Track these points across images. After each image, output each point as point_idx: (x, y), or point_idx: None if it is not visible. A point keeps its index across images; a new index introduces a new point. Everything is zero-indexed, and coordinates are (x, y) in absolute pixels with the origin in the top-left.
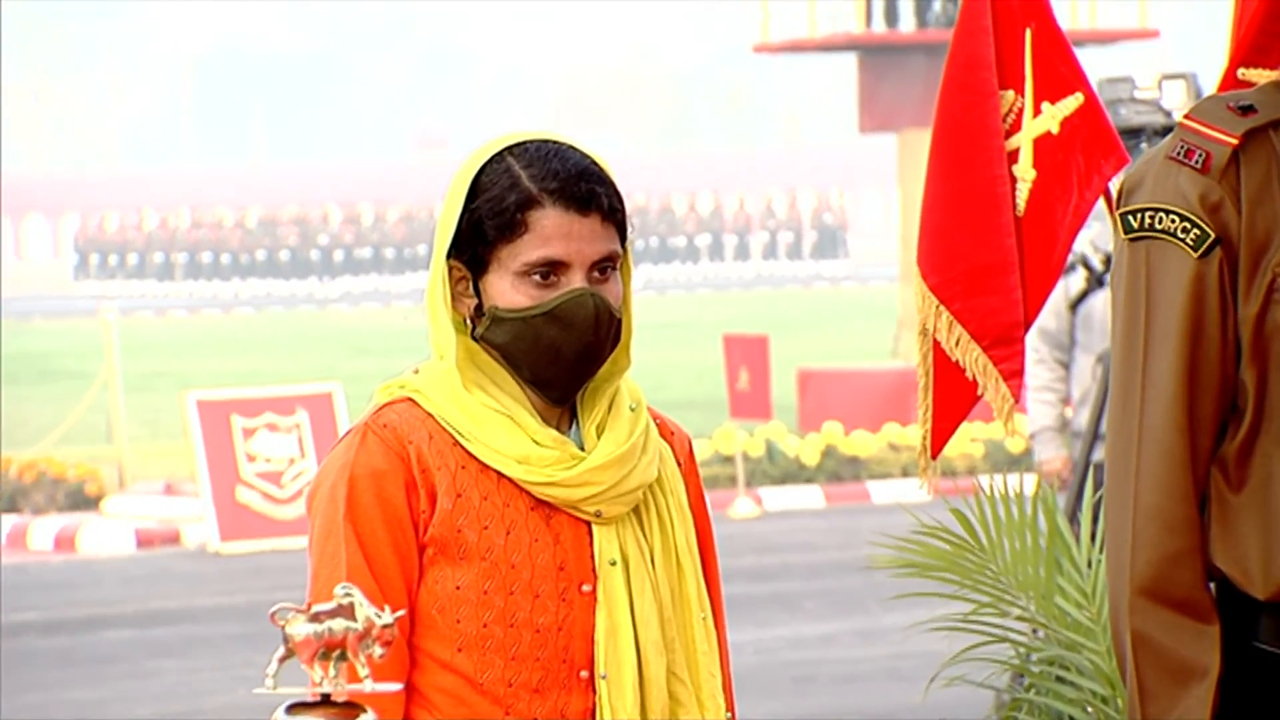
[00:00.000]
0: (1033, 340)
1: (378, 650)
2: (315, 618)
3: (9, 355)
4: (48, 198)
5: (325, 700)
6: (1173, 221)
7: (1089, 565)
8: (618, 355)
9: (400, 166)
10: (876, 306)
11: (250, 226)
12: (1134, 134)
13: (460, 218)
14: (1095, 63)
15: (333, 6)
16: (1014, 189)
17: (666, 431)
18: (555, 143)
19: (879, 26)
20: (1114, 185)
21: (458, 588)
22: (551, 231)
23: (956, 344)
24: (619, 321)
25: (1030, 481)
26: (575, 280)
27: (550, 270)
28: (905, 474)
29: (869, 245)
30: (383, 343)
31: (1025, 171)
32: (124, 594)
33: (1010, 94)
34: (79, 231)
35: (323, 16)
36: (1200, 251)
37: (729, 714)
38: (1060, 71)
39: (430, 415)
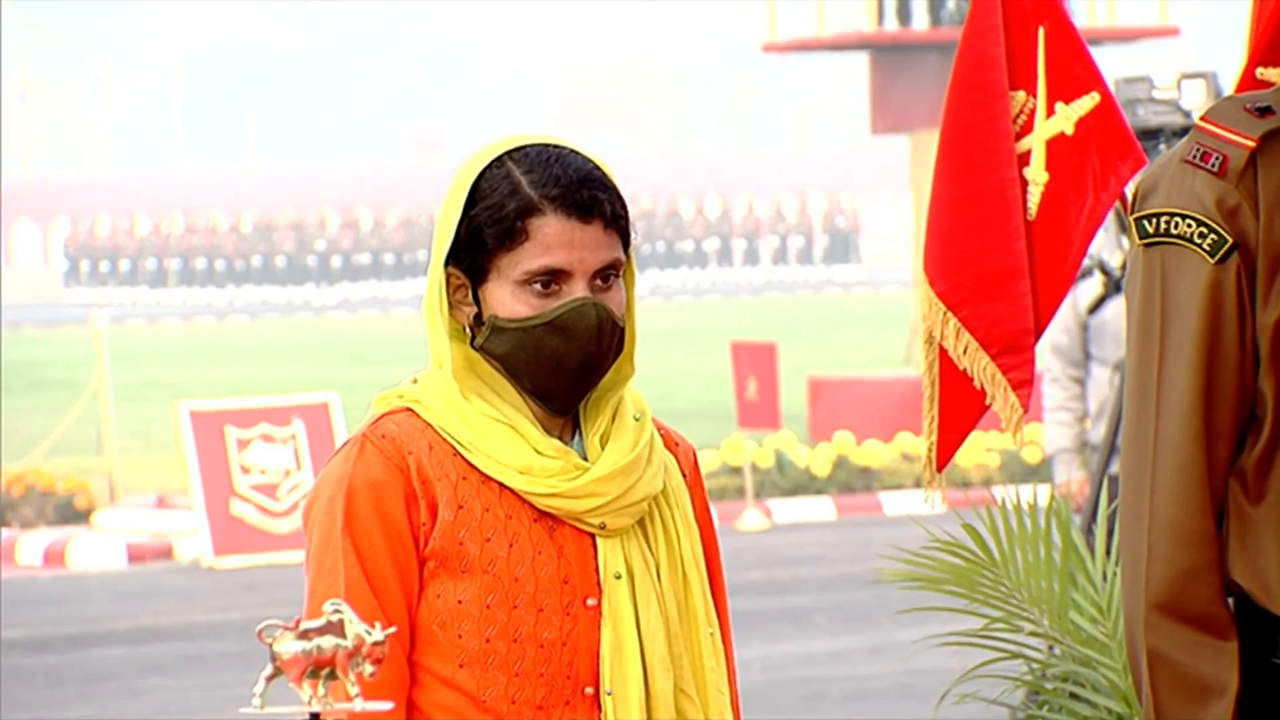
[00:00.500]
0: (1045, 359)
1: (368, 668)
2: (304, 635)
3: None
4: (37, 202)
5: None
6: (1189, 226)
7: (1104, 579)
8: (621, 364)
9: (399, 169)
10: (890, 313)
11: (245, 231)
12: (1152, 135)
13: (459, 224)
14: (1114, 61)
15: (328, 5)
16: (1025, 192)
17: (671, 443)
18: (556, 147)
19: (891, 25)
20: (1130, 189)
21: (459, 602)
22: (553, 240)
23: (964, 352)
24: (622, 331)
25: (1046, 493)
26: (577, 289)
27: (551, 279)
28: (919, 485)
29: (882, 250)
30: (382, 351)
31: (1037, 174)
32: (115, 610)
33: (1021, 95)
34: (69, 237)
35: (318, 15)
36: (1217, 257)
37: None
38: (1075, 71)
39: (430, 425)
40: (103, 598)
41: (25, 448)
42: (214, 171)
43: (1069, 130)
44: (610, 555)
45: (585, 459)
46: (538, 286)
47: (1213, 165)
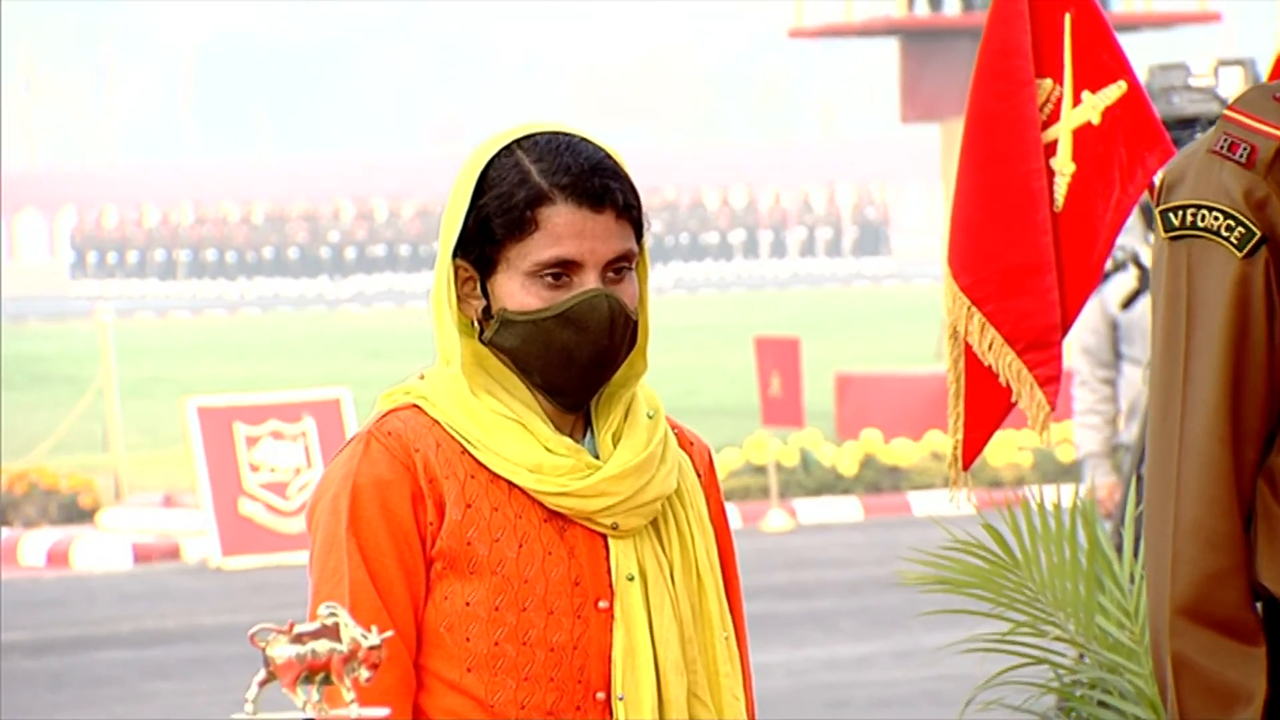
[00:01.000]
0: (1074, 360)
1: (364, 673)
2: (298, 639)
3: (1, 360)
4: (43, 192)
5: None
6: (1215, 219)
7: (1131, 582)
8: (634, 359)
9: (415, 159)
10: (920, 307)
11: (257, 222)
12: (1188, 124)
13: (467, 215)
14: (1153, 48)
15: None
16: (1052, 183)
17: (685, 442)
18: (567, 135)
19: (922, 10)
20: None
21: (467, 604)
22: (563, 230)
23: (989, 348)
24: (635, 324)
25: (1075, 492)
26: (589, 281)
27: (562, 270)
28: (946, 484)
29: (913, 242)
30: (397, 345)
31: (1064, 165)
32: (119, 612)
33: (1048, 83)
34: (76, 228)
35: (333, 1)
36: (1245, 251)
37: None
38: (1102, 58)
39: (437, 422)
40: (107, 599)
41: (29, 445)
42: (225, 161)
43: (1095, 120)
44: (622, 556)
45: (597, 457)
46: (548, 278)
47: (1240, 156)
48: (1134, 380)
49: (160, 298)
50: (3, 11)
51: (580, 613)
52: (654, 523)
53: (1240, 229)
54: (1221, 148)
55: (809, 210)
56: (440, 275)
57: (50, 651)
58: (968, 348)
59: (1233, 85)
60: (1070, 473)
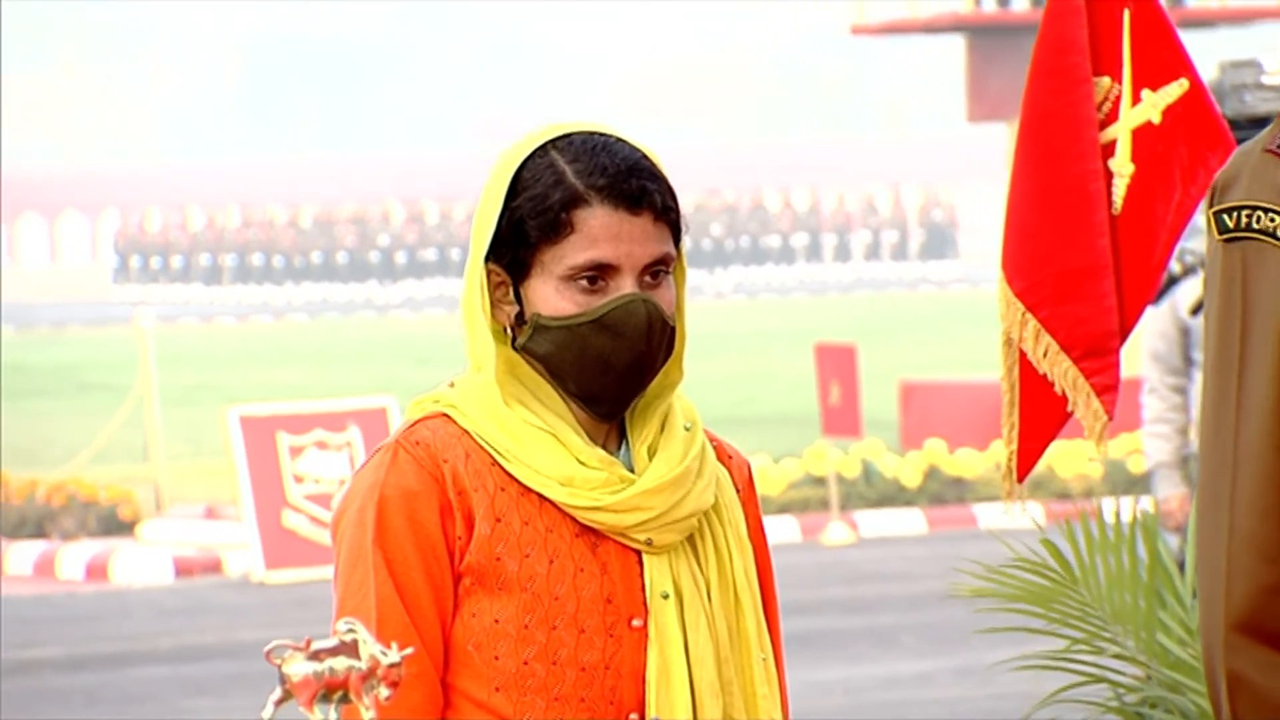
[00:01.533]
0: (1143, 367)
1: (384, 691)
2: (315, 656)
3: (42, 367)
4: (85, 194)
5: None
6: (1271, 220)
7: (1194, 596)
8: (670, 368)
9: (468, 159)
10: (987, 312)
11: (304, 226)
12: (1260, 123)
13: (500, 217)
14: (1228, 44)
15: None
16: (1109, 185)
17: (724, 455)
18: (603, 135)
19: (989, 5)
20: None
21: (496, 621)
22: (599, 232)
23: (1044, 355)
24: (672, 330)
25: (1143, 504)
26: (625, 285)
27: (598, 274)
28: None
29: (981, 245)
30: (448, 352)
31: (1122, 165)
32: (158, 628)
33: (1106, 81)
34: (119, 231)
35: None
36: None
37: None
38: (1162, 55)
39: (466, 432)
40: (146, 614)
41: (70, 455)
42: (271, 162)
43: (1156, 119)
44: (657, 573)
45: (631, 470)
46: (583, 282)
47: None
48: None
49: (205, 303)
50: (45, 10)
51: (613, 631)
52: (690, 539)
53: None
54: (1277, 146)
55: (874, 212)
56: (472, 280)
57: (86, 668)
58: (1022, 355)
59: None
60: (1141, 484)
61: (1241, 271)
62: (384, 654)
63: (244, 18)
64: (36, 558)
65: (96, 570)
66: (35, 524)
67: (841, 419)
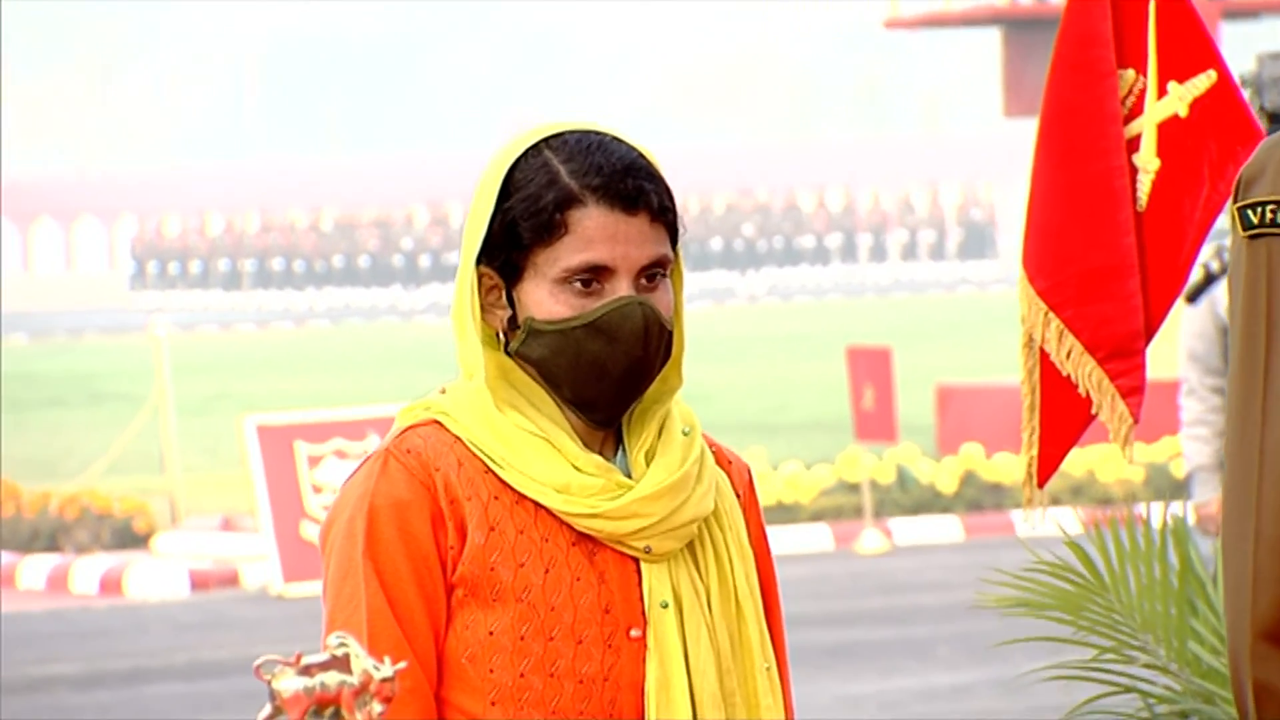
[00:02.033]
0: (1181, 369)
1: (376, 707)
2: (305, 671)
3: (57, 376)
4: (101, 200)
5: None
6: None
7: None
8: (668, 373)
9: None
10: None
11: (326, 229)
12: None
13: (491, 219)
14: (1272, 35)
15: None
16: (1134, 181)
17: (724, 460)
18: (598, 134)
19: None
20: None
21: (491, 633)
22: (594, 233)
23: (1067, 356)
24: (670, 334)
25: (1181, 510)
26: (621, 288)
27: (593, 277)
28: (1056, 502)
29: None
30: None
31: (1148, 161)
32: (174, 643)
33: (1130, 73)
34: (136, 237)
35: None
36: None
37: None
38: (1189, 46)
39: (459, 439)
40: (161, 629)
41: (85, 467)
42: (292, 165)
43: (1182, 112)
44: (656, 582)
45: (629, 476)
46: (578, 285)
47: None
48: None
49: (224, 309)
50: (60, 12)
51: (611, 642)
52: (690, 546)
53: None
54: None
55: (910, 211)
56: (462, 283)
57: (100, 685)
58: (1044, 356)
59: None
60: (1186, 488)
61: (1267, 269)
62: (377, 668)
63: (264, 18)
64: (49, 572)
65: (110, 584)
66: (48, 537)
67: (876, 423)
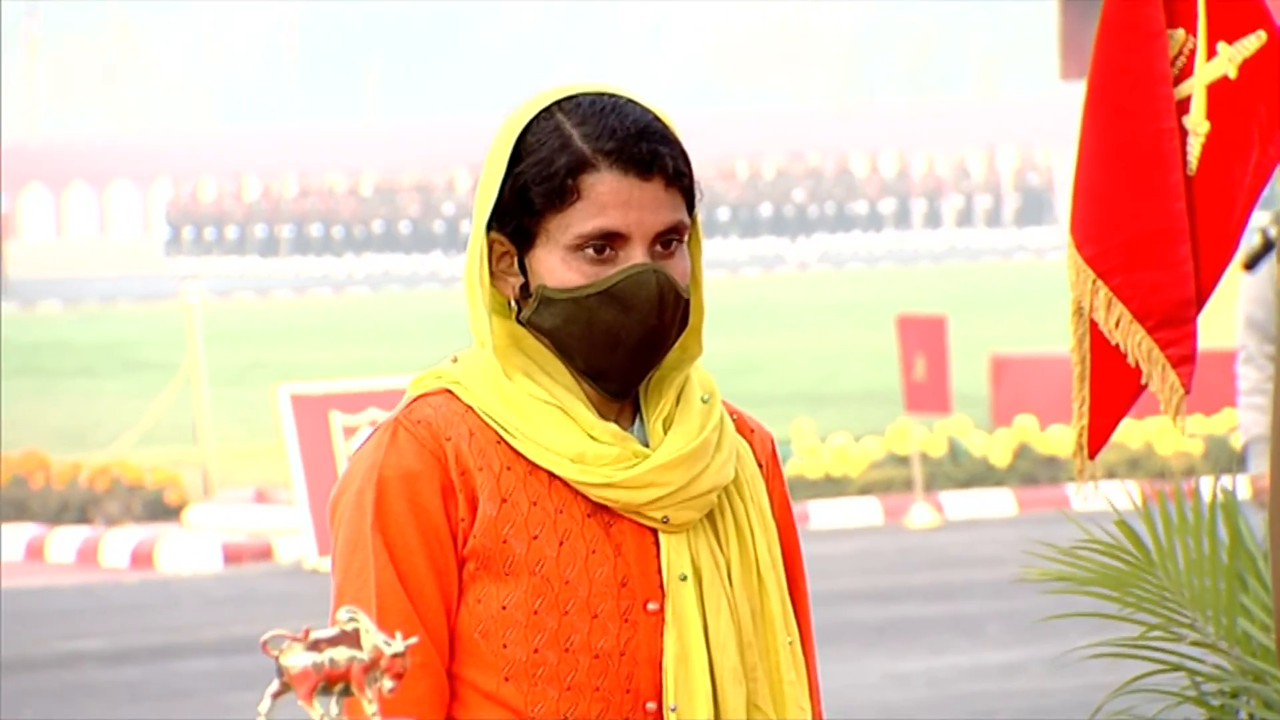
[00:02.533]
0: (1239, 335)
1: (387, 683)
2: (314, 646)
3: (90, 344)
4: (135, 163)
5: None
6: None
7: None
8: (687, 341)
9: None
10: None
11: (365, 194)
12: None
13: (503, 183)
14: None
15: None
16: (1184, 144)
17: (745, 428)
18: (612, 95)
19: None
20: None
21: (504, 608)
22: (608, 199)
23: (1116, 325)
24: (687, 302)
25: (1242, 485)
26: (635, 255)
27: (607, 243)
28: (1112, 475)
29: None
30: None
31: (1197, 123)
32: (205, 618)
33: (1180, 33)
34: (171, 201)
35: None
36: None
37: None
38: (1239, 6)
39: (470, 409)
40: (193, 604)
41: (117, 437)
42: (331, 128)
43: (1232, 74)
44: (674, 554)
45: (646, 445)
46: (591, 252)
47: None
48: None
49: (261, 276)
50: None
51: (628, 616)
52: (709, 517)
53: None
54: None
55: (966, 177)
56: (473, 250)
57: (129, 661)
58: (1093, 325)
59: None
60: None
61: None
62: (387, 644)
63: None
64: (79, 545)
65: (141, 558)
66: (78, 509)
67: (928, 394)
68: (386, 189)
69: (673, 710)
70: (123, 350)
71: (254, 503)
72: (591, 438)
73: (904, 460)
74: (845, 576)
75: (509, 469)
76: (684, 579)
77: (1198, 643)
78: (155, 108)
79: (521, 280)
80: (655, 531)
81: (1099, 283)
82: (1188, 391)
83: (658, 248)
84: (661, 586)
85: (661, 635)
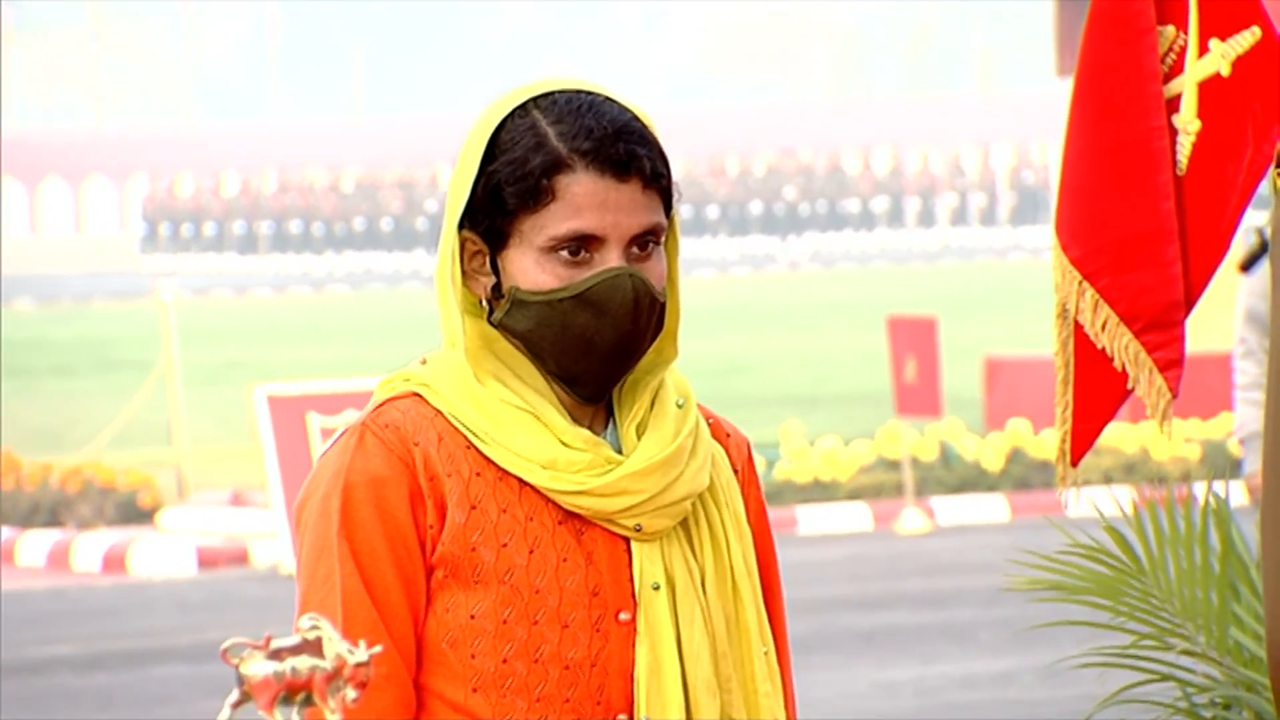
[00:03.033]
0: (1238, 329)
1: (350, 693)
2: (275, 654)
3: (65, 343)
4: (112, 158)
5: None
6: None
7: None
8: (663, 344)
9: None
10: None
11: (346, 191)
12: None
13: (475, 181)
14: None
15: None
16: (1174, 143)
17: (721, 433)
18: (589, 93)
19: None
20: None
21: (472, 617)
22: (583, 200)
23: (1103, 328)
24: (662, 306)
25: (1239, 491)
26: (611, 258)
27: (581, 245)
28: (1108, 481)
29: None
30: None
31: (1188, 122)
32: (180, 623)
33: (1170, 30)
34: (148, 197)
35: None
36: None
37: None
38: (1232, 2)
39: (440, 413)
40: (167, 609)
41: (93, 437)
42: (312, 123)
43: (1224, 71)
44: (647, 562)
45: (619, 451)
46: (565, 254)
47: None
48: None
49: (239, 274)
50: None
51: (599, 626)
52: (684, 524)
53: None
54: None
55: (960, 174)
56: (445, 249)
57: (101, 667)
58: (1078, 328)
59: None
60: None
61: None
62: (351, 652)
63: None
64: (50, 548)
65: (114, 562)
66: (49, 512)
67: (918, 397)
68: (368, 185)
69: None
70: (98, 349)
71: (230, 506)
72: (563, 444)
73: (894, 464)
74: (834, 583)
75: (478, 475)
76: (657, 588)
77: (1188, 652)
78: (132, 101)
79: (494, 280)
80: (628, 540)
81: (1085, 284)
82: (1175, 396)
83: (634, 250)
84: (634, 596)
85: (634, 646)
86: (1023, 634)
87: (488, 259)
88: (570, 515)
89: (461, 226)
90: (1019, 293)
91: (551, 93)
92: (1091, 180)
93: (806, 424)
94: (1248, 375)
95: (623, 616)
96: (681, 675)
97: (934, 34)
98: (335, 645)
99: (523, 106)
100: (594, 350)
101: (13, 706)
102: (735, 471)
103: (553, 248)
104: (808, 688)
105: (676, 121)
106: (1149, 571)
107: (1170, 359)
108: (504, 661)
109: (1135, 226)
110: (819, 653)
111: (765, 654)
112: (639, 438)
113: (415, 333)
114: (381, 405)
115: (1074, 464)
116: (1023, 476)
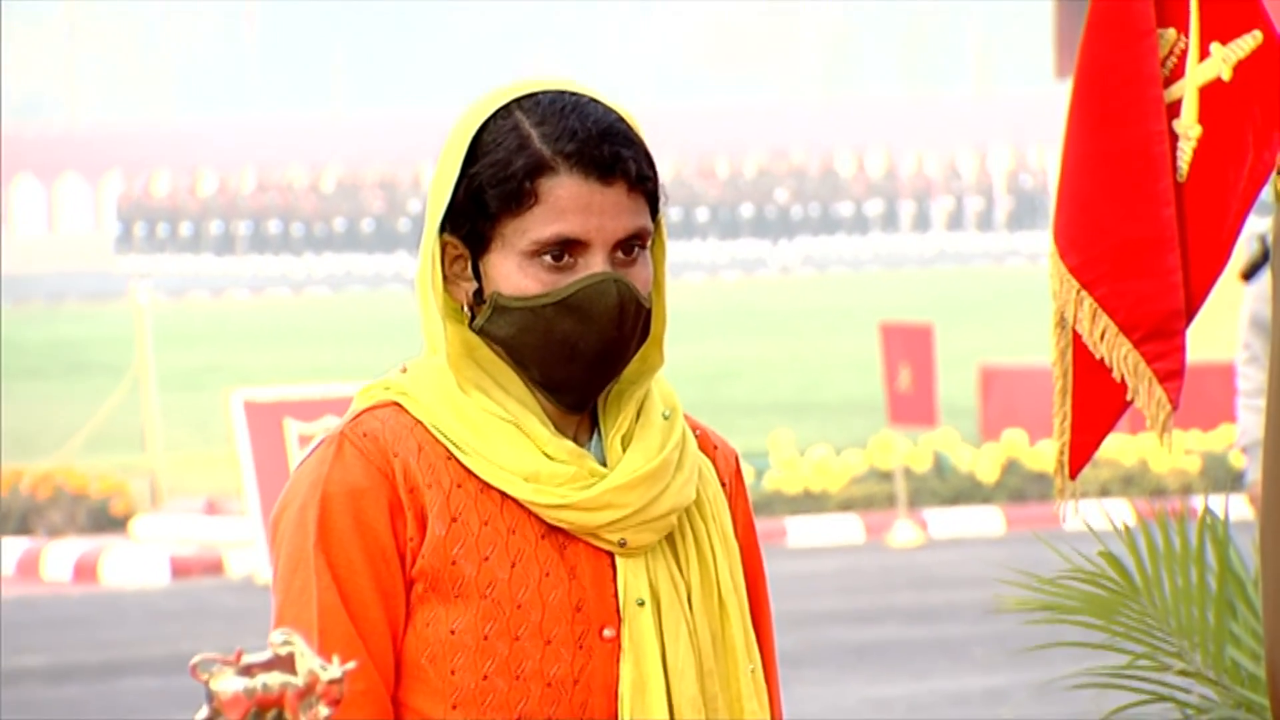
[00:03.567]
0: (1243, 334)
1: (323, 710)
2: (246, 670)
3: (37, 345)
4: (86, 155)
5: None
6: None
7: None
8: (648, 352)
9: None
10: None
11: (327, 191)
12: None
13: (457, 184)
14: None
15: None
16: (1174, 148)
17: (709, 445)
18: (574, 94)
19: None
20: None
21: (452, 632)
22: (567, 203)
23: (1101, 337)
24: (648, 312)
25: (1239, 504)
26: (595, 263)
27: (565, 250)
28: (1106, 493)
29: None
30: None
31: (1189, 127)
32: (152, 634)
33: (1171, 33)
34: (123, 195)
35: None
36: None
37: None
38: (1233, 5)
39: (419, 423)
40: (139, 619)
41: (64, 442)
42: (291, 120)
43: (1226, 75)
44: (632, 578)
45: (604, 463)
46: (548, 259)
47: None
48: None
49: (216, 275)
50: None
51: (582, 642)
52: (669, 539)
53: None
54: None
55: (956, 177)
56: (425, 253)
57: (72, 678)
58: (1076, 338)
59: None
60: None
61: None
62: (324, 668)
63: None
64: (20, 556)
65: (85, 570)
66: (19, 519)
67: (912, 406)
68: (349, 185)
69: None
70: (71, 351)
71: (204, 514)
72: (546, 455)
73: (887, 475)
74: (824, 596)
75: (459, 486)
76: (641, 604)
77: (1185, 672)
78: (107, 97)
79: (475, 285)
80: (612, 555)
81: (1084, 293)
82: (1175, 407)
83: (619, 254)
84: (618, 612)
85: (618, 663)
86: (1016, 650)
87: (469, 263)
88: (553, 529)
89: (443, 230)
90: (1016, 299)
91: (535, 93)
92: (1090, 186)
93: (797, 433)
94: (1251, 381)
95: (607, 633)
96: (666, 693)
97: (929, 33)
98: (308, 661)
99: (505, 107)
100: (577, 357)
101: None
102: (723, 485)
103: (536, 252)
104: (797, 704)
105: (665, 121)
106: (1145, 590)
107: (1171, 369)
108: (484, 678)
109: (1135, 234)
110: (808, 668)
111: (752, 671)
112: (624, 449)
113: (397, 336)
114: (360, 414)
115: (1073, 476)
116: (1018, 488)
